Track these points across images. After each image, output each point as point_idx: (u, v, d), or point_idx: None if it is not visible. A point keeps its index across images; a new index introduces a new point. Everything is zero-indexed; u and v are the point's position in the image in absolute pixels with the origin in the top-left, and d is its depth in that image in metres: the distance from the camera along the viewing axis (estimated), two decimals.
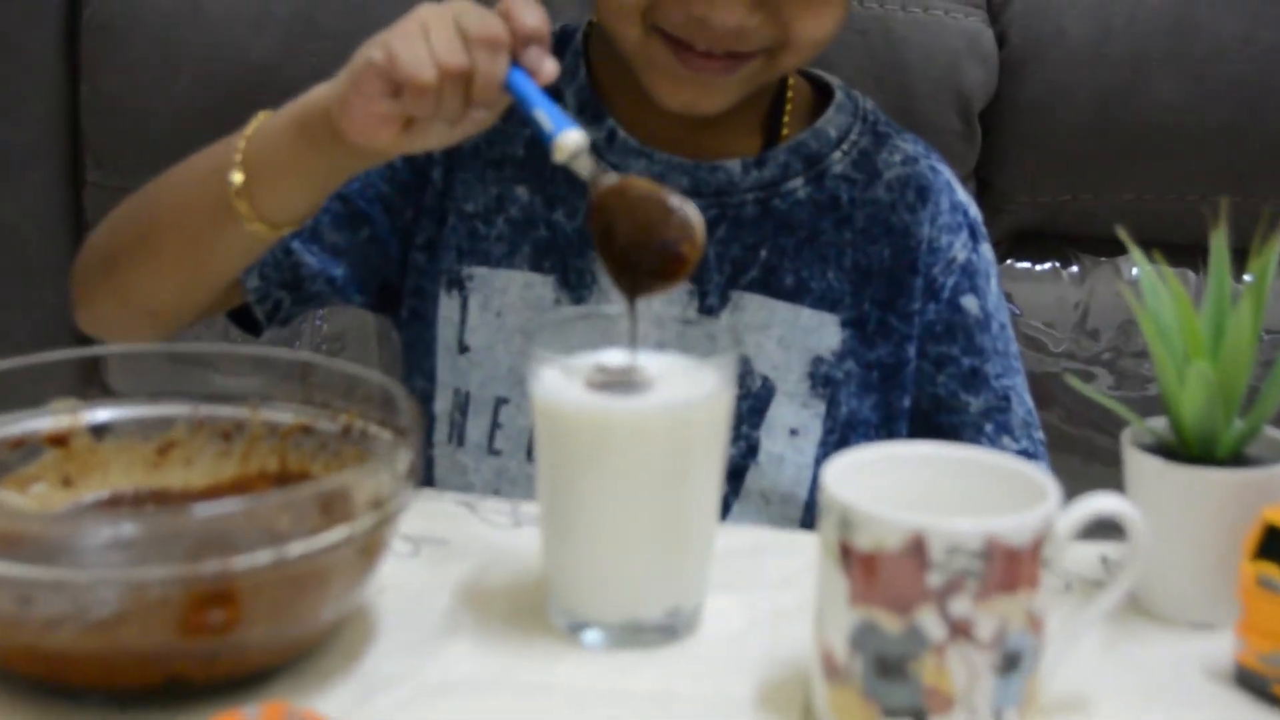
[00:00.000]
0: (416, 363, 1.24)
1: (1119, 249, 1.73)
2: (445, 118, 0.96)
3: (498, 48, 0.95)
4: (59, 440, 0.92)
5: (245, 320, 1.22)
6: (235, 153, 1.04)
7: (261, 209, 1.04)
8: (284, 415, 0.93)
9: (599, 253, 0.93)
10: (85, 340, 1.73)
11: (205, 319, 1.21)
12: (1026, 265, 1.76)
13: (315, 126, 1.00)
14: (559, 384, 0.86)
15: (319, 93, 1.01)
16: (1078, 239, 1.76)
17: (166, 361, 1.04)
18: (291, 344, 1.74)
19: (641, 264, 0.91)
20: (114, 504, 0.92)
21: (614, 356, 0.88)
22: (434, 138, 0.98)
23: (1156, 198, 1.72)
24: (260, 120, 1.05)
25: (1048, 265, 1.76)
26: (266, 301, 1.19)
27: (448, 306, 1.21)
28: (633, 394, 0.85)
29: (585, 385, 0.85)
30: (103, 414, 0.94)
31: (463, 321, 1.21)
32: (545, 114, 0.94)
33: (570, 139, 0.94)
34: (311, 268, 1.18)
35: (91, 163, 1.75)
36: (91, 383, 1.59)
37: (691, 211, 0.92)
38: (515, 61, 0.95)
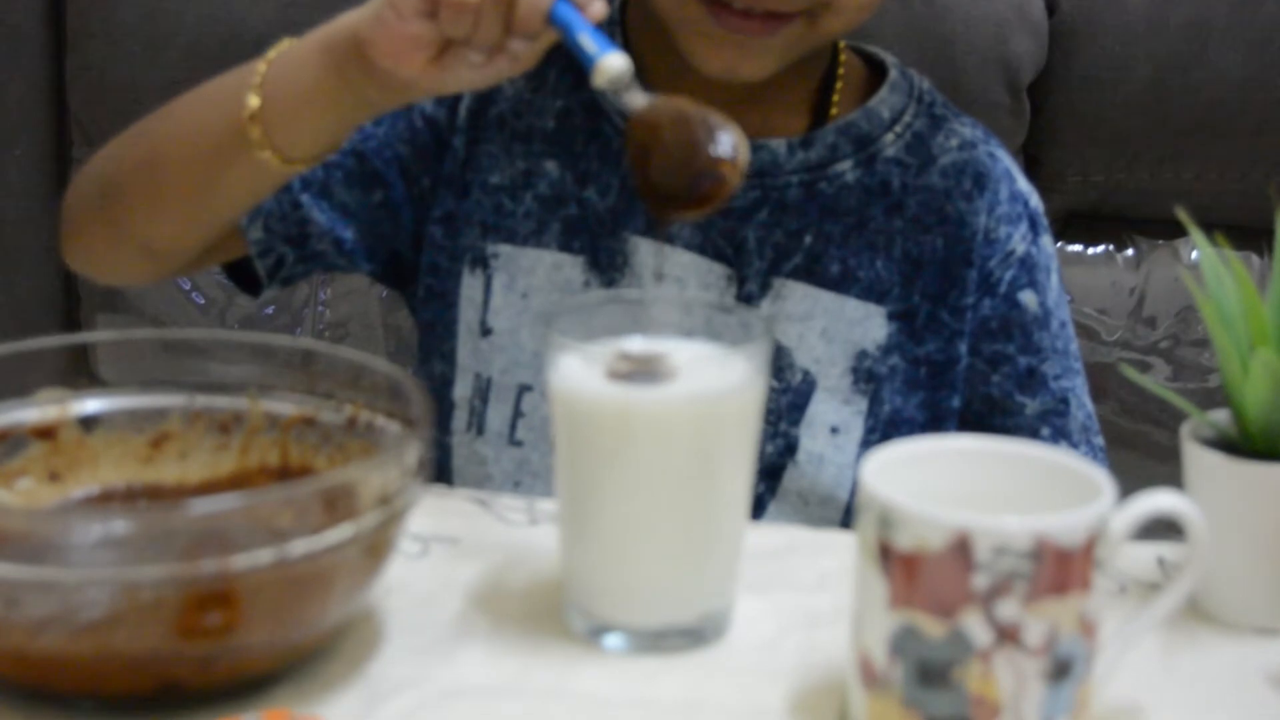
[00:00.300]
0: (435, 345, 1.24)
1: (1178, 231, 1.72)
2: (481, 44, 0.96)
3: None
4: (45, 432, 0.93)
5: (244, 279, 1.23)
6: (254, 75, 1.04)
7: (274, 138, 1.04)
8: (285, 406, 0.94)
9: (633, 175, 0.93)
10: (73, 327, 1.75)
11: (203, 267, 1.21)
12: (1079, 248, 1.76)
13: (341, 52, 1.01)
14: (578, 372, 0.86)
15: (349, 17, 1.01)
16: (1133, 220, 1.76)
17: (160, 349, 1.04)
18: (293, 331, 1.75)
19: (679, 187, 0.91)
20: (104, 500, 0.93)
21: (637, 344, 0.88)
22: (464, 73, 0.98)
23: (1218, 177, 1.72)
24: (283, 46, 1.06)
25: (1101, 248, 1.76)
26: (269, 256, 1.19)
27: (470, 286, 1.21)
28: (657, 383, 0.85)
29: (606, 374, 0.85)
30: (92, 405, 0.94)
31: (486, 302, 1.21)
32: (590, 39, 0.95)
33: (613, 62, 0.94)
34: (320, 225, 1.19)
35: (78, 138, 1.76)
36: (80, 371, 1.58)
37: (735, 133, 0.92)
38: None
